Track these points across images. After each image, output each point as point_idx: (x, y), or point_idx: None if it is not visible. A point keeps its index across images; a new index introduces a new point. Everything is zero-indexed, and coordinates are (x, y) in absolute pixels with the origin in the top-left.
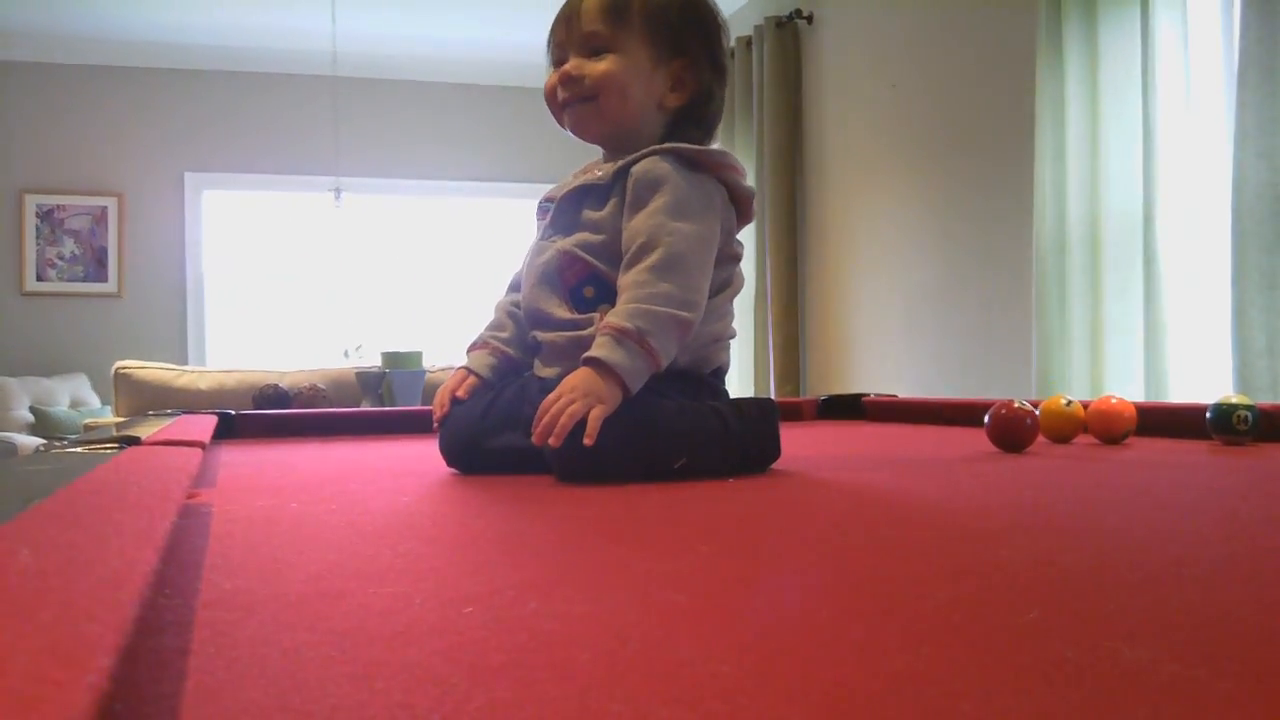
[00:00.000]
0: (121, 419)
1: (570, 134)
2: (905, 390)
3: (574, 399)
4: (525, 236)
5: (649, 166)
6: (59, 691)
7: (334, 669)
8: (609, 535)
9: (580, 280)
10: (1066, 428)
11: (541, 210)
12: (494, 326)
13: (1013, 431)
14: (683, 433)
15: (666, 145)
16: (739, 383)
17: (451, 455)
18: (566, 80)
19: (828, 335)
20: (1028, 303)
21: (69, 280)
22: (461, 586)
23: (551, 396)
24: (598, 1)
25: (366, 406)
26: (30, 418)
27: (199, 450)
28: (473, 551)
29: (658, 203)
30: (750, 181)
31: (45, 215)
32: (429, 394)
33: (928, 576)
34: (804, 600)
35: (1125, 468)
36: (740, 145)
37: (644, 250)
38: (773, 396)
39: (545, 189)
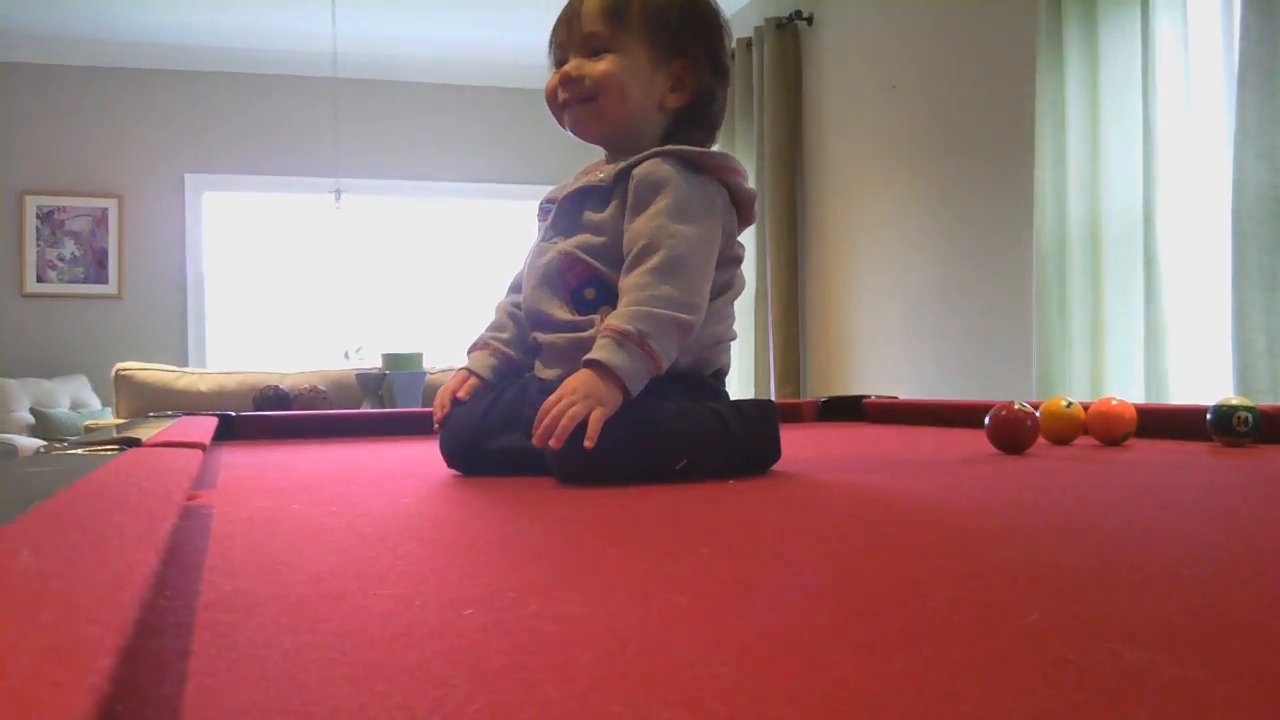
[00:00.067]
0: (122, 420)
1: (571, 135)
2: (906, 392)
3: (574, 401)
4: (525, 238)
5: (650, 168)
6: (60, 693)
7: (334, 670)
8: (609, 537)
9: (581, 282)
10: (1067, 429)
11: (543, 211)
12: (495, 327)
13: (1013, 433)
14: (683, 434)
15: (668, 147)
16: (739, 384)
17: (452, 456)
18: (566, 81)
19: (828, 337)
20: (1028, 304)
21: (69, 282)
22: (462, 588)
23: (552, 399)
24: (598, 2)
25: (367, 408)
26: (31, 419)
27: (199, 452)
28: (473, 553)
29: (659, 205)
30: (751, 183)
31: (46, 217)
32: (429, 395)
33: (928, 577)
34: (804, 601)
35: (1125, 469)
36: (740, 147)
37: (645, 252)
38: (773, 398)
39: (546, 190)
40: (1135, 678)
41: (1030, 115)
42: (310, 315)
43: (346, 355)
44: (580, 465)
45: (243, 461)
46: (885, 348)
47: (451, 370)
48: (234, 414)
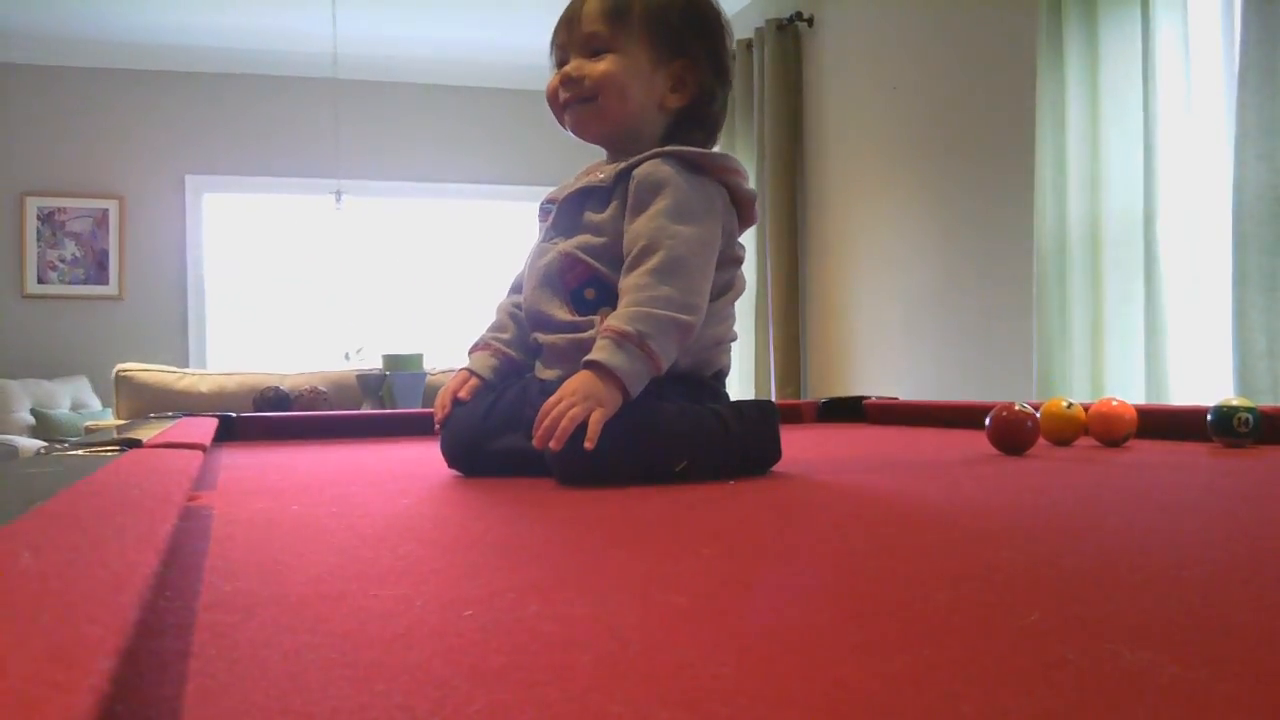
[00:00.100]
0: (122, 421)
1: (572, 135)
2: (906, 392)
3: (574, 402)
4: (526, 239)
5: (651, 169)
6: (60, 693)
7: (334, 671)
8: (609, 538)
9: (581, 282)
10: (1067, 430)
11: (544, 212)
12: (496, 328)
13: (1013, 434)
14: (683, 435)
15: (668, 148)
16: (739, 385)
17: (453, 457)
18: (567, 81)
19: (828, 337)
20: (1028, 305)
21: (70, 283)
22: (462, 589)
23: (551, 400)
24: (599, 3)
25: (367, 409)
26: (31, 420)
27: (200, 453)
28: (473, 554)
29: (659, 205)
30: (751, 184)
31: (46, 218)
32: (429, 396)
33: (928, 578)
34: (804, 602)
35: (1126, 470)
36: (741, 148)
37: (645, 253)
38: (773, 399)
39: (545, 191)
40: (1135, 678)
41: (1030, 116)
42: (310, 316)
43: (347, 356)
44: (580, 466)
45: (243, 462)
46: (885, 348)
47: (452, 371)
48: (234, 415)
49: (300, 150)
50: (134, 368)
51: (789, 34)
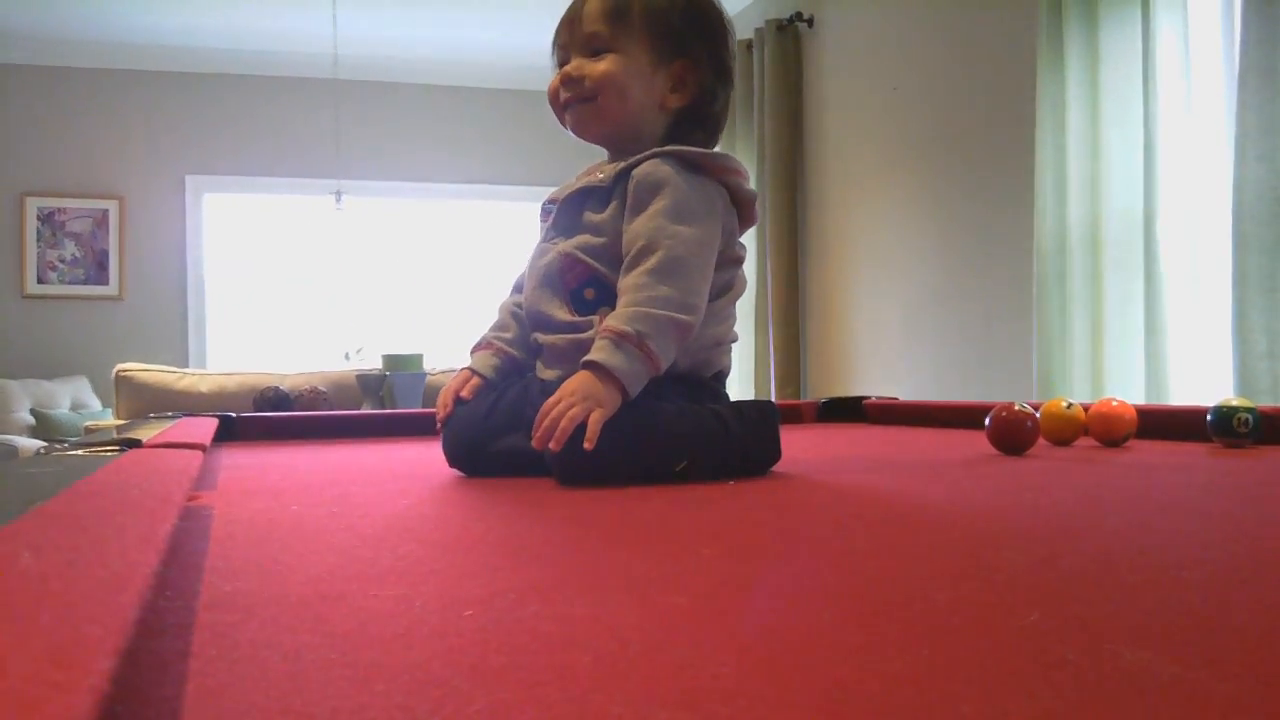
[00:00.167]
0: (122, 421)
1: (573, 136)
2: (906, 393)
3: (573, 403)
4: (526, 239)
5: (650, 169)
6: (60, 693)
7: (334, 671)
8: (609, 538)
9: (581, 282)
10: (1067, 430)
11: (545, 212)
12: (498, 327)
13: (1013, 434)
14: (683, 435)
15: (668, 148)
16: (739, 385)
17: (454, 457)
18: (567, 81)
19: (828, 338)
20: (1028, 305)
21: (70, 283)
22: (462, 589)
23: (551, 400)
24: (599, 3)
25: (367, 409)
26: (31, 420)
27: (200, 453)
28: (473, 554)
29: (658, 205)
30: (751, 184)
31: (46, 218)
32: (429, 396)
33: (928, 578)
34: (804, 602)
35: (1126, 470)
36: (741, 148)
37: (644, 253)
38: (773, 399)
39: (545, 192)
40: (1135, 678)
41: (1030, 116)
42: (311, 316)
43: (347, 356)
44: (580, 467)
45: (243, 462)
46: (886, 348)
47: (452, 371)
48: (234, 415)
49: (300, 151)
50: (134, 368)
51: (789, 34)
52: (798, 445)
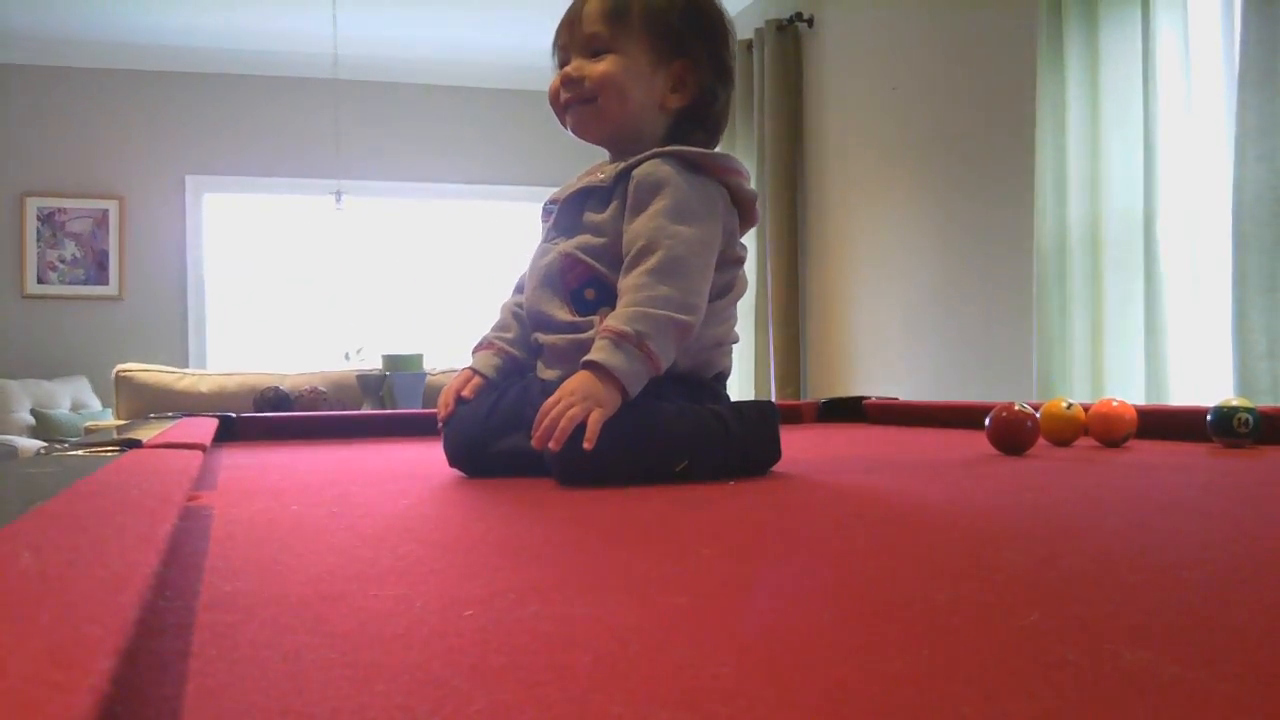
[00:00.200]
0: (122, 421)
1: (573, 136)
2: (906, 393)
3: (573, 403)
4: (526, 239)
5: (650, 169)
6: (60, 694)
7: (334, 671)
8: (609, 538)
9: (581, 283)
10: (1067, 430)
11: (546, 212)
12: (499, 327)
13: (1013, 434)
14: (683, 435)
15: (669, 148)
16: (739, 385)
17: (455, 457)
18: (567, 81)
19: (828, 338)
20: (1028, 305)
21: (70, 283)
22: (462, 589)
23: (550, 400)
24: (599, 4)
25: (367, 409)
26: (31, 420)
27: (200, 453)
28: (473, 554)
29: (658, 205)
30: (752, 184)
31: (46, 218)
32: (430, 396)
33: (928, 578)
34: (804, 602)
35: (1126, 470)
36: (741, 148)
37: (644, 253)
38: (773, 399)
39: (545, 192)
40: (1135, 678)
41: (1030, 116)
42: (311, 316)
43: (347, 356)
44: (580, 467)
45: (243, 462)
46: (885, 349)
47: (452, 371)
48: (234, 415)
49: (300, 151)
50: (134, 368)
51: (789, 34)
52: (798, 445)
